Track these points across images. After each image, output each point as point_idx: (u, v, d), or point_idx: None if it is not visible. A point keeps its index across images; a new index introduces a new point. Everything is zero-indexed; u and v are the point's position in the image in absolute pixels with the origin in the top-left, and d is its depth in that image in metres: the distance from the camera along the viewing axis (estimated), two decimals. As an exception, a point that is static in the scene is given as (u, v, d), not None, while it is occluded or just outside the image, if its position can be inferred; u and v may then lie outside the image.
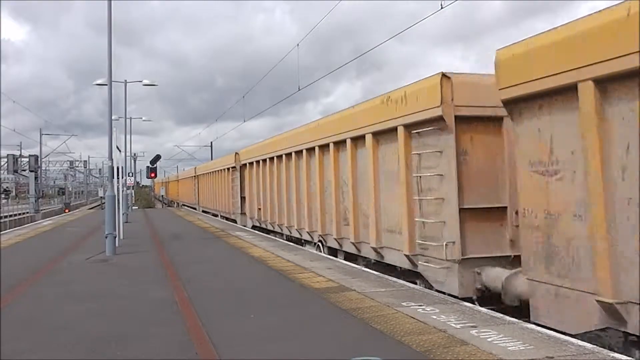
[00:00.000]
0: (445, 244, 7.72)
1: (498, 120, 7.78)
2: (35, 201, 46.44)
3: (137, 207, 50.25)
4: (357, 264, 10.56)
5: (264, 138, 20.91)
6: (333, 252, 12.38)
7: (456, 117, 7.73)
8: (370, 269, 9.84)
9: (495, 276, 7.27)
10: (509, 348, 4.89)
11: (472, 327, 5.64)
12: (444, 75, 7.72)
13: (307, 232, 13.99)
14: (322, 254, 12.32)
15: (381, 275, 9.22)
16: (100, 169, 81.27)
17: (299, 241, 14.99)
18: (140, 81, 26.46)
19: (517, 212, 6.89)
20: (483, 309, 6.55)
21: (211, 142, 61.63)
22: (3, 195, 51.03)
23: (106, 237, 12.82)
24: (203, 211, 35.70)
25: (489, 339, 5.17)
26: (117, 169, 15.42)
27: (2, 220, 35.94)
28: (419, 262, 8.57)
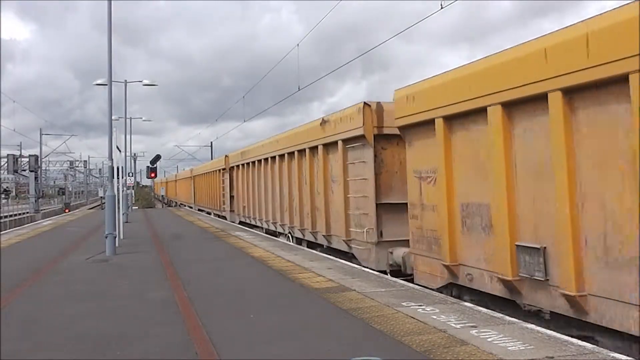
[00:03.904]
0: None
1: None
2: (35, 201, 46.47)
3: (137, 207, 50.27)
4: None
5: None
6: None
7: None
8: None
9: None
10: (509, 348, 4.89)
11: (472, 327, 5.64)
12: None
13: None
14: (322, 254, 12.31)
15: (381, 275, 9.23)
16: (100, 169, 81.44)
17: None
18: (141, 81, 26.49)
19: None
20: (483, 309, 6.55)
21: (211, 142, 61.74)
22: (3, 195, 51.03)
23: (106, 237, 12.82)
24: (242, 223, 22.88)
25: (489, 339, 5.17)
26: (117, 169, 15.43)
27: (2, 220, 35.95)
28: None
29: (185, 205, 48.29)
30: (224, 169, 26.97)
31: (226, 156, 26.70)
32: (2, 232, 21.78)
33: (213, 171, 31.29)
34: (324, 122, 12.67)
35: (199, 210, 38.08)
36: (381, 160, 10.65)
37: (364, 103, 10.54)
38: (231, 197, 25.59)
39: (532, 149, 6.22)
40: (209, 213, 33.22)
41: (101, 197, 65.58)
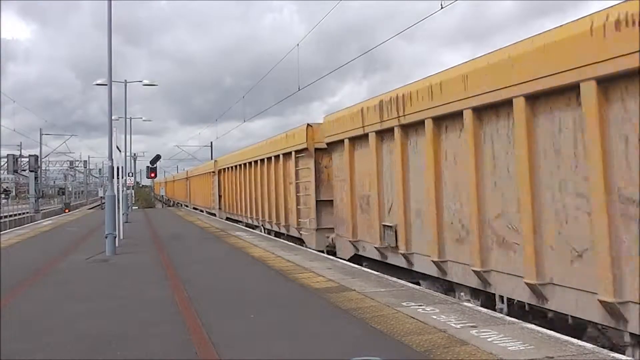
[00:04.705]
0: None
1: None
2: (35, 201, 46.49)
3: (137, 208, 50.28)
4: None
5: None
6: None
7: None
8: None
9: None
10: (509, 348, 4.89)
11: (472, 327, 5.64)
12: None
13: None
14: (322, 254, 12.31)
15: (381, 275, 9.22)
16: (100, 169, 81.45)
17: None
18: (141, 81, 26.51)
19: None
20: (483, 309, 6.55)
21: (211, 142, 61.71)
22: (3, 195, 51.03)
23: (106, 237, 12.82)
24: (366, 261, 10.89)
25: (489, 339, 5.17)
26: (117, 169, 15.43)
27: (2, 220, 35.95)
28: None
29: (202, 211, 35.64)
30: (300, 152, 14.71)
31: (309, 125, 14.14)
32: (2, 232, 21.78)
33: (267, 158, 18.12)
34: None
35: (227, 219, 26.31)
36: None
37: None
38: (321, 202, 13.93)
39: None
40: (252, 226, 20.84)
41: (101, 197, 65.65)
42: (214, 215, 29.78)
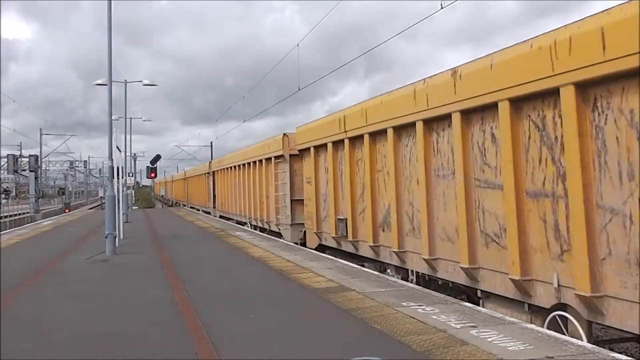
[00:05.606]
0: None
1: None
2: (35, 201, 46.47)
3: (137, 207, 50.28)
4: None
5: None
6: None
7: None
8: None
9: None
10: (509, 348, 4.89)
11: (472, 327, 5.64)
12: None
13: None
14: (322, 254, 12.32)
15: (381, 275, 9.23)
16: (100, 169, 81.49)
17: None
18: (141, 81, 26.51)
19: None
20: (483, 309, 6.55)
21: (211, 142, 61.60)
22: (3, 195, 51.04)
23: (106, 237, 12.83)
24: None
25: (489, 339, 5.17)
26: (117, 169, 15.43)
27: (2, 220, 35.95)
28: None
29: (245, 224, 22.53)
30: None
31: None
32: (2, 232, 21.78)
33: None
34: None
35: (321, 247, 13.61)
36: None
37: None
38: None
39: None
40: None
41: (101, 197, 65.60)
42: (280, 236, 17.16)
